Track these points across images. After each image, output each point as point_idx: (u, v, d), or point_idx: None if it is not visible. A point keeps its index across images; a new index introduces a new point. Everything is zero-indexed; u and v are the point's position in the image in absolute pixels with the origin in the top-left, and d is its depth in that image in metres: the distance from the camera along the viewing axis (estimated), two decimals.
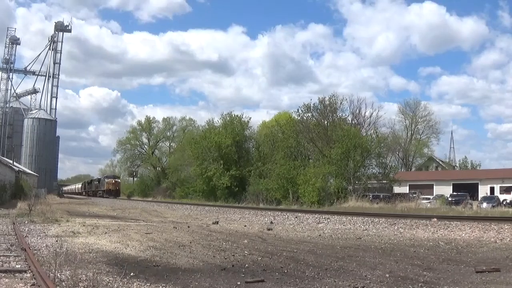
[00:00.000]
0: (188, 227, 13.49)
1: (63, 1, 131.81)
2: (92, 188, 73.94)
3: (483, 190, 45.22)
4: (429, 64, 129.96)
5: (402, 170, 58.61)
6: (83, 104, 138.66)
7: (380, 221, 13.60)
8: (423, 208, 26.54)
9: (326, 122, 41.13)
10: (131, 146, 79.93)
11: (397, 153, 60.56)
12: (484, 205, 30.84)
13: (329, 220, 14.89)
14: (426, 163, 65.28)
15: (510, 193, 40.72)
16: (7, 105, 62.44)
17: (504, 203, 32.08)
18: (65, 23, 60.72)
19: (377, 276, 6.01)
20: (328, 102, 40.78)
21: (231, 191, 43.13)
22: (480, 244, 9.20)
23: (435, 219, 13.47)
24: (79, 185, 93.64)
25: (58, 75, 60.58)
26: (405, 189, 45.01)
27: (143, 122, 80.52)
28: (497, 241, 9.56)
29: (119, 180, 67.36)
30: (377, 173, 39.84)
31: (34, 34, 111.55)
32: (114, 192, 61.83)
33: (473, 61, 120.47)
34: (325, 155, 37.09)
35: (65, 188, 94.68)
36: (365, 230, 12.41)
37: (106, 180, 64.11)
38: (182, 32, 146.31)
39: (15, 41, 62.57)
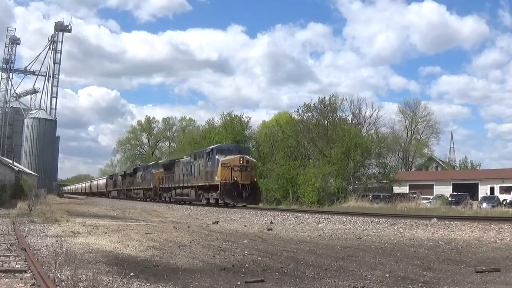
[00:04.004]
0: (188, 227, 13.49)
1: (62, 0, 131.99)
2: (143, 182, 41.15)
3: (483, 190, 45.26)
4: (429, 64, 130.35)
5: (402, 170, 58.66)
6: (82, 104, 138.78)
7: (380, 221, 13.60)
8: (423, 208, 26.57)
9: (326, 122, 41.24)
10: (131, 146, 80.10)
11: (397, 153, 60.60)
12: (484, 205, 30.90)
13: (329, 220, 14.89)
14: (426, 163, 65.32)
15: (510, 193, 40.76)
16: (7, 105, 62.45)
17: (504, 203, 32.11)
18: (65, 23, 60.73)
19: (377, 276, 6.00)
20: (328, 102, 40.95)
21: None
22: (480, 244, 9.20)
23: (435, 219, 13.47)
24: (101, 181, 64.17)
25: (58, 75, 60.60)
26: (405, 189, 45.06)
27: (143, 122, 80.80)
28: (497, 241, 9.56)
29: (253, 160, 27.44)
30: (377, 173, 39.92)
31: (32, 33, 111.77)
32: (247, 191, 24.29)
33: (473, 61, 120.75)
34: (325, 155, 37.15)
35: (67, 188, 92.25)
36: (365, 230, 12.41)
37: (220, 157, 24.87)
38: (181, 32, 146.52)
39: (15, 41, 62.60)
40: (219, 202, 24.95)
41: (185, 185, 29.55)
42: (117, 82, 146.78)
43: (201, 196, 27.13)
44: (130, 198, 45.36)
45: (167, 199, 34.23)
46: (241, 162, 24.48)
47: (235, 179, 23.94)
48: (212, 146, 27.83)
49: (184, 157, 32.91)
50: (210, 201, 26.13)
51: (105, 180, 61.72)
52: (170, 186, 33.33)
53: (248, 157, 25.86)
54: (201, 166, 27.08)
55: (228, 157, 24.92)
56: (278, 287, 5.53)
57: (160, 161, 42.33)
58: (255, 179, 25.48)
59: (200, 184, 27.01)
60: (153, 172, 38.26)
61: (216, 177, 24.60)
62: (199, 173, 27.27)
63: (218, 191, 24.23)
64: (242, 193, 24.02)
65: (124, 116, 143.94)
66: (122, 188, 49.73)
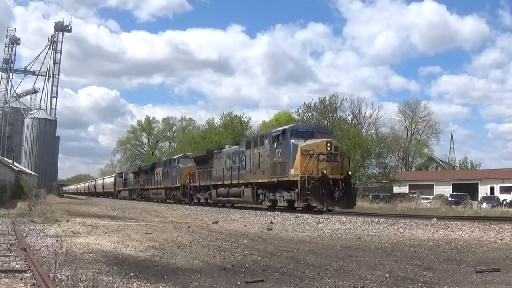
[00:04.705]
0: (188, 227, 13.49)
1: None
2: (165, 180, 34.19)
3: (483, 190, 45.30)
4: (429, 64, 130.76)
5: (402, 170, 58.69)
6: (82, 104, 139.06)
7: (380, 221, 13.59)
8: (423, 208, 26.60)
9: (326, 122, 41.26)
10: (131, 146, 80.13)
11: (397, 153, 60.62)
12: (484, 205, 30.96)
13: (329, 220, 14.88)
14: (426, 163, 65.41)
15: (510, 193, 40.78)
16: (7, 105, 62.52)
17: (504, 203, 32.14)
18: (65, 23, 60.82)
19: (377, 276, 6.00)
20: (328, 102, 41.03)
21: None
22: (480, 244, 9.19)
23: (435, 219, 13.47)
24: (108, 180, 58.22)
25: (58, 75, 60.72)
26: (405, 189, 45.11)
27: (143, 122, 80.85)
28: (497, 241, 9.55)
29: (342, 147, 22.22)
30: (377, 173, 39.95)
31: (32, 33, 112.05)
32: (340, 189, 17.26)
33: (473, 61, 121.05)
34: None
35: (68, 188, 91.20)
36: (365, 230, 12.40)
37: (298, 142, 18.14)
38: (181, 31, 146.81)
39: (15, 41, 62.69)
40: (296, 205, 18.61)
41: (234, 182, 22.64)
42: (117, 82, 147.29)
43: (263, 196, 20.44)
44: (146, 199, 38.57)
45: (202, 201, 27.54)
46: (328, 148, 17.60)
47: (324, 172, 17.16)
48: (284, 127, 20.46)
49: (227, 146, 26.98)
50: (279, 203, 19.43)
51: (113, 178, 55.26)
52: (207, 184, 26.06)
53: (330, 137, 19.24)
54: (262, 155, 20.20)
55: (310, 141, 18.12)
56: (278, 287, 5.53)
57: (189, 153, 35.80)
58: (349, 173, 18.63)
59: (261, 180, 20.08)
60: (180, 167, 31.01)
61: (291, 170, 17.80)
62: (259, 166, 20.34)
63: (297, 190, 17.46)
64: (334, 192, 17.14)
65: (124, 116, 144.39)
66: (136, 187, 42.64)
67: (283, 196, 18.96)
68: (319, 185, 16.93)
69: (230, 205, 25.05)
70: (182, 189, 30.28)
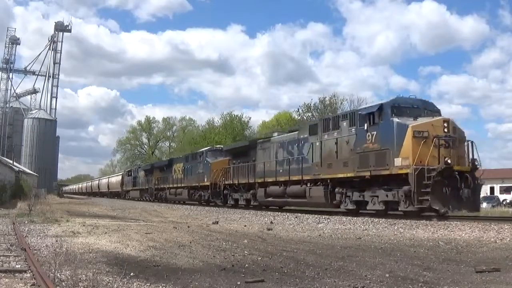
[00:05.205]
0: (188, 227, 13.50)
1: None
2: (187, 178, 29.78)
3: (483, 190, 45.19)
4: (429, 64, 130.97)
5: None
6: (82, 104, 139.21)
7: (380, 221, 13.59)
8: None
9: None
10: (131, 146, 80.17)
11: None
12: (484, 205, 30.93)
13: (329, 220, 14.88)
14: None
15: (510, 193, 40.77)
16: (7, 105, 62.56)
17: (504, 203, 32.16)
18: (65, 23, 60.91)
19: (377, 276, 6.00)
20: (328, 102, 41.05)
21: None
22: (480, 244, 9.20)
23: (435, 219, 13.46)
24: (114, 179, 53.76)
25: (58, 75, 60.84)
26: None
27: (143, 122, 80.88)
28: (497, 241, 9.56)
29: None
30: None
31: (32, 33, 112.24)
32: (468, 186, 12.95)
33: (473, 60, 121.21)
34: None
35: (69, 188, 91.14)
36: (365, 230, 12.40)
37: (405, 120, 13.47)
38: (181, 31, 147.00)
39: (15, 41, 62.77)
40: (402, 207, 13.76)
41: (293, 178, 18.23)
42: (117, 82, 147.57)
43: (341, 197, 16.01)
44: (161, 200, 34.32)
45: (241, 203, 23.15)
46: (446, 129, 13.37)
47: (448, 162, 12.83)
48: (381, 102, 14.92)
49: (275, 134, 21.72)
50: (370, 206, 14.84)
51: (119, 177, 49.91)
52: (250, 181, 21.67)
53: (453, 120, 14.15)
54: (339, 142, 15.76)
55: (421, 120, 13.78)
56: (278, 287, 5.53)
57: (218, 146, 31.29)
58: (477, 163, 13.80)
59: (341, 175, 15.62)
60: (209, 162, 26.47)
61: (397, 160, 13.32)
62: (337, 156, 15.84)
63: (405, 187, 13.19)
64: (461, 190, 12.88)
65: (124, 116, 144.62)
66: (149, 187, 38.26)
67: (377, 196, 14.39)
68: (443, 181, 12.59)
69: (278, 207, 21.00)
70: (213, 188, 25.47)
